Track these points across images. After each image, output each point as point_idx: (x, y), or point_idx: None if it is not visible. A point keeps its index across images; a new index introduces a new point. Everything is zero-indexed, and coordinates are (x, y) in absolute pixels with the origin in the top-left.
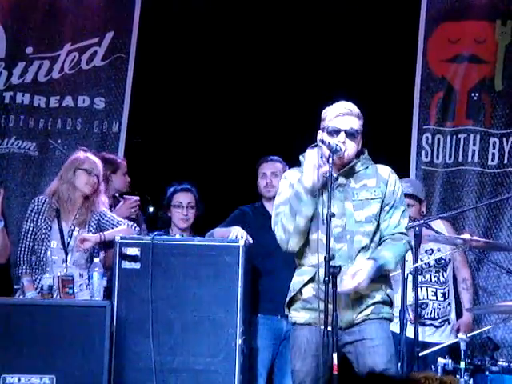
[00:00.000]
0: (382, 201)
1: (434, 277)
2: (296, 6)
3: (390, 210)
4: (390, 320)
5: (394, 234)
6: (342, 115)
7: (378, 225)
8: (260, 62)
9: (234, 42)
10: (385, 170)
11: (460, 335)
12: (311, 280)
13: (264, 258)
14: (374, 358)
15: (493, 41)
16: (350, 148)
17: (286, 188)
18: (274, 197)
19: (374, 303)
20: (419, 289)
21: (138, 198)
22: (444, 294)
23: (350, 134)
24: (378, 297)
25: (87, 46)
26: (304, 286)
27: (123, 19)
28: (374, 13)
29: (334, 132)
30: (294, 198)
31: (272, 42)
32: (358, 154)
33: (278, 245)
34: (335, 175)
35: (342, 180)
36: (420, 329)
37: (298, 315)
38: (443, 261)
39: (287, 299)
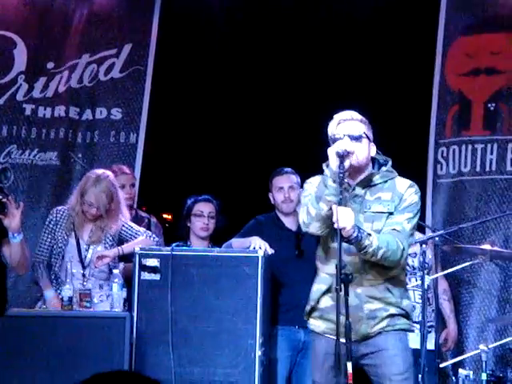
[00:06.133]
0: (392, 213)
1: (420, 280)
2: (312, 19)
3: (394, 213)
4: (408, 330)
5: (387, 231)
6: (343, 121)
7: None
8: (276, 76)
9: (250, 55)
10: (403, 184)
11: (481, 346)
12: (329, 290)
13: (280, 269)
14: (391, 369)
15: (508, 50)
16: (356, 151)
17: (312, 188)
18: (292, 212)
19: (388, 316)
20: None
21: None
22: (429, 298)
23: (354, 138)
24: (393, 310)
25: (105, 57)
26: (322, 295)
27: (141, 31)
28: (391, 28)
29: (338, 139)
30: (321, 183)
31: (287, 56)
32: (380, 166)
33: (294, 256)
34: (352, 186)
35: (358, 191)
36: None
37: (316, 323)
38: (427, 264)
39: (307, 308)
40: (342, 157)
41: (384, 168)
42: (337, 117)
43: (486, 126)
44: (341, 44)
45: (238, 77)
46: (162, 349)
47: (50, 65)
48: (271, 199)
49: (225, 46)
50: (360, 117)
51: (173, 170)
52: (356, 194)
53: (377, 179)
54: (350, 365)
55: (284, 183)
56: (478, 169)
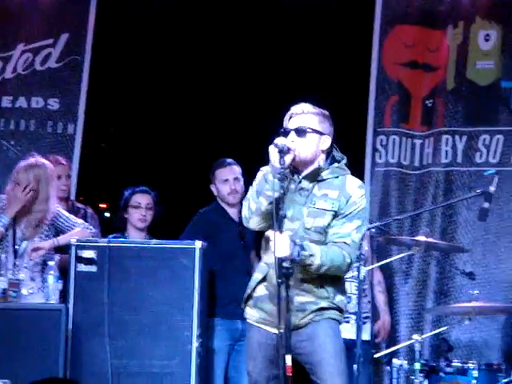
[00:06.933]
0: (336, 212)
1: (356, 271)
2: (251, 11)
3: (342, 219)
4: (338, 321)
5: (336, 243)
6: (294, 115)
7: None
8: (216, 67)
9: (189, 45)
10: (353, 184)
11: (415, 336)
12: (264, 279)
13: (225, 261)
14: (322, 355)
15: (444, 47)
16: (299, 147)
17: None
18: (238, 203)
19: (318, 309)
20: None
21: None
22: (364, 289)
23: (299, 133)
24: (324, 304)
25: (41, 47)
26: (258, 284)
27: (78, 21)
28: (328, 15)
29: (285, 133)
30: (262, 178)
31: (228, 46)
32: (332, 161)
33: (238, 248)
34: (299, 178)
35: (305, 184)
36: (346, 326)
37: (250, 312)
38: (363, 256)
39: (245, 295)
40: (283, 152)
41: (336, 164)
42: (291, 110)
43: (423, 122)
44: (277, 33)
45: (176, 67)
46: (98, 341)
47: None
48: (214, 191)
49: (164, 36)
50: (313, 110)
51: (111, 161)
52: (302, 187)
53: (325, 174)
54: (289, 357)
55: (229, 175)
56: (416, 163)
